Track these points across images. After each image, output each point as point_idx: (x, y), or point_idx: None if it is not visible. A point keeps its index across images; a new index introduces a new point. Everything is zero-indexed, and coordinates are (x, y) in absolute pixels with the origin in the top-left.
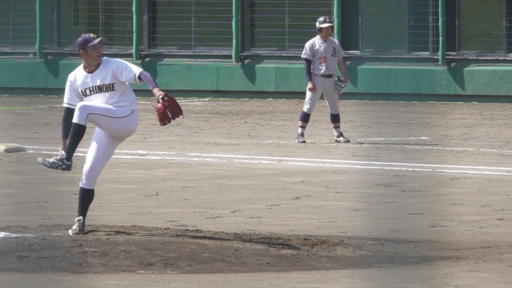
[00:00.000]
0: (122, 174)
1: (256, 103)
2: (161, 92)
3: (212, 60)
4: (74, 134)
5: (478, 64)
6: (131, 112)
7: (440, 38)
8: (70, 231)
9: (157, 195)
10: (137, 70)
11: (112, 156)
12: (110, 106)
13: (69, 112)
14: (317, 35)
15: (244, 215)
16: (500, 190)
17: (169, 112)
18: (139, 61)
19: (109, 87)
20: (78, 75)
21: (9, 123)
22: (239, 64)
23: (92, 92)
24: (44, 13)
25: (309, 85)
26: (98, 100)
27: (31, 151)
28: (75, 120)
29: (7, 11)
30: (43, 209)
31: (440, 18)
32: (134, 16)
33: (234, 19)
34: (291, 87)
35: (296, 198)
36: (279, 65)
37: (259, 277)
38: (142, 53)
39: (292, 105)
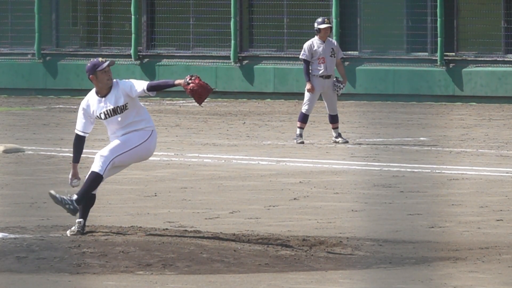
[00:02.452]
0: (120, 175)
1: (254, 104)
2: (185, 78)
3: (210, 61)
4: (90, 182)
5: (477, 65)
6: (151, 133)
7: (439, 39)
8: (68, 232)
9: (155, 196)
10: (143, 84)
11: None
12: (126, 139)
13: (80, 139)
14: (316, 36)
15: (243, 216)
16: (498, 191)
17: (203, 87)
18: (138, 62)
19: (123, 108)
20: (91, 101)
21: (8, 123)
22: (237, 65)
23: (107, 116)
24: (43, 13)
25: (308, 86)
26: (114, 124)
27: (30, 152)
28: (95, 169)
29: (6, 12)
30: (41, 210)
31: (438, 19)
32: (133, 17)
33: (232, 20)
34: (289, 88)
35: (294, 198)
36: (278, 66)
37: (257, 277)
38: (141, 54)
39: (291, 106)
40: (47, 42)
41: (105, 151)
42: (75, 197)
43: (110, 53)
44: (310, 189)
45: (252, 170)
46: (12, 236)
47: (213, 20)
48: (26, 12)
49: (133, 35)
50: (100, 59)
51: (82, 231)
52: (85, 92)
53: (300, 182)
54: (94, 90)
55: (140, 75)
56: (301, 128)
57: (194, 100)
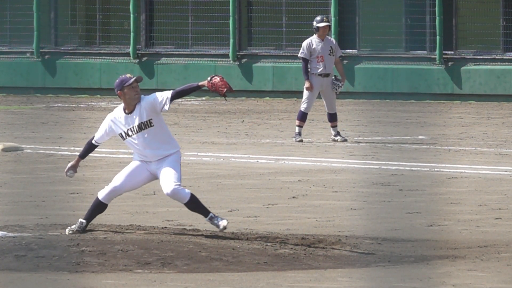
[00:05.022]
0: None
1: (253, 102)
2: (206, 85)
3: (209, 59)
4: (196, 202)
5: (475, 63)
6: (180, 155)
7: (437, 37)
8: (67, 230)
9: (154, 194)
10: (167, 93)
11: (109, 155)
12: (172, 165)
13: (92, 145)
14: (314, 34)
15: (241, 214)
16: (497, 189)
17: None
18: (136, 61)
19: (148, 124)
20: (118, 117)
21: (6, 122)
22: (236, 63)
23: (133, 132)
24: (41, 12)
25: (306, 84)
26: (141, 142)
27: (28, 150)
28: (185, 199)
29: (4, 10)
30: (40, 209)
31: (437, 17)
32: (131, 15)
33: (231, 18)
34: (288, 86)
35: (293, 197)
36: (277, 64)
37: (256, 276)
38: (140, 52)
39: (290, 104)
40: (45, 40)
41: (173, 181)
42: (210, 214)
43: (109, 52)
44: (309, 187)
45: (251, 168)
46: (11, 234)
47: (211, 18)
48: (25, 10)
49: (131, 34)
50: (128, 75)
51: (81, 231)
52: (83, 90)
53: (299, 180)
54: (122, 106)
55: (139, 74)
56: (300, 126)
57: (219, 94)
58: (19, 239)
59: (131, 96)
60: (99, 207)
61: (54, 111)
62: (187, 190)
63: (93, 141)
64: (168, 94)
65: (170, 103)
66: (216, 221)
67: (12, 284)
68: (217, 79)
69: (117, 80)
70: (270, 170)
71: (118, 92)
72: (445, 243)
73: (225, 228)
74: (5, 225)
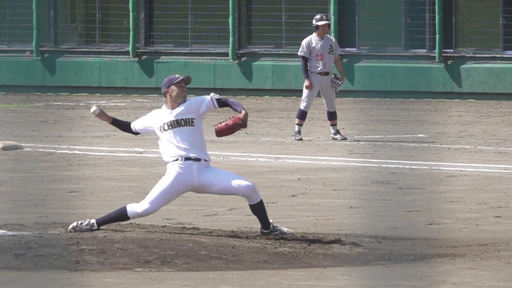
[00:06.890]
0: (119, 172)
1: (253, 100)
2: (245, 120)
3: (209, 57)
4: (262, 206)
5: (475, 61)
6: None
7: (437, 35)
8: (70, 226)
9: None
10: (215, 95)
11: (109, 154)
12: (222, 171)
13: (128, 128)
14: (314, 33)
15: (241, 213)
16: (497, 188)
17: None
18: (136, 59)
19: (188, 122)
20: (159, 112)
21: (6, 121)
22: (236, 61)
23: (169, 127)
24: (41, 10)
25: (306, 83)
26: (176, 137)
27: (28, 149)
28: (258, 200)
29: (4, 9)
30: (40, 207)
31: (437, 16)
32: (131, 13)
33: (231, 16)
34: (288, 85)
35: (293, 195)
36: (276, 62)
37: (256, 274)
38: (139, 50)
39: (289, 103)
40: (45, 39)
41: (246, 179)
42: (272, 222)
43: (108, 50)
44: (309, 186)
45: (250, 167)
46: (10, 233)
47: (211, 17)
48: (24, 9)
49: (131, 32)
50: (176, 75)
51: (81, 230)
52: (83, 89)
53: (298, 179)
54: (165, 105)
55: (139, 72)
56: (300, 125)
57: (221, 125)
58: (18, 238)
59: (177, 94)
60: (122, 218)
61: (54, 109)
62: (258, 193)
63: (131, 124)
64: (217, 96)
65: (217, 104)
66: (281, 229)
67: (12, 282)
68: (240, 128)
69: (165, 79)
70: (269, 168)
71: (165, 89)
72: (444, 241)
73: (293, 234)
74: (4, 223)
